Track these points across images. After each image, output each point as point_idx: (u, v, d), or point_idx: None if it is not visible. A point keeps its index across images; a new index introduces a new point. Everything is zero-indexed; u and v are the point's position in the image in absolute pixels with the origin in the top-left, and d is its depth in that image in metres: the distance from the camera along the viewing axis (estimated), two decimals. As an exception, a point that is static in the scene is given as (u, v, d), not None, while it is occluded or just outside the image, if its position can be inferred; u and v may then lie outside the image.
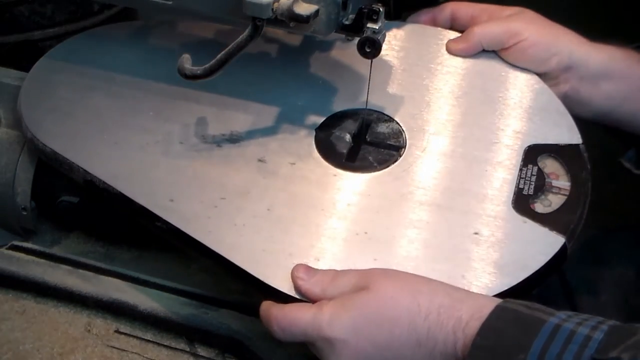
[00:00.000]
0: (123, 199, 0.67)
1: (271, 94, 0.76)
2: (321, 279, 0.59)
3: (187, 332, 0.69)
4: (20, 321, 0.69)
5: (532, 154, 0.70)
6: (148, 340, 0.68)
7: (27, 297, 0.71)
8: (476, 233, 0.63)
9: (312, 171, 0.69)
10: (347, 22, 0.67)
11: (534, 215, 0.65)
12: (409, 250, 0.63)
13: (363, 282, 0.58)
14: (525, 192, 0.67)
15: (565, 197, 0.66)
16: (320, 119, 0.73)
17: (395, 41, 0.81)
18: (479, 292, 0.60)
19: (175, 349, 0.68)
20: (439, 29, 0.82)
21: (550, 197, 0.66)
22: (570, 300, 0.80)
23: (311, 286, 0.59)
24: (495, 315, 0.53)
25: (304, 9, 0.62)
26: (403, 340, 0.55)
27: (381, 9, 0.67)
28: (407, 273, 0.59)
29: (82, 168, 0.68)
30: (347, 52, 0.79)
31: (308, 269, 0.60)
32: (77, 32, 0.88)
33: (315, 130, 0.72)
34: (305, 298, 0.59)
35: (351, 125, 0.73)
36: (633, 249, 0.82)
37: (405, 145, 0.71)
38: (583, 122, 0.74)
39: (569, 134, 0.72)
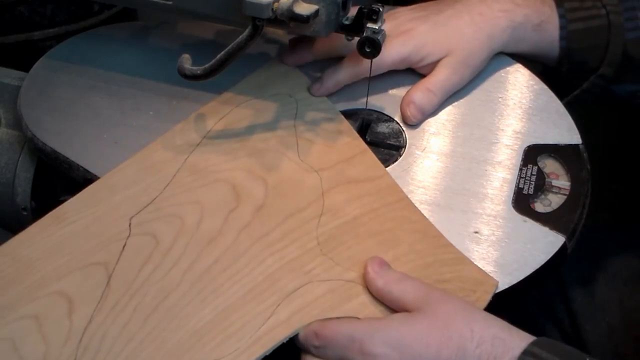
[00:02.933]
0: (123, 199, 0.67)
1: (271, 93, 0.76)
2: (389, 275, 0.58)
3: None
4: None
5: (532, 153, 0.70)
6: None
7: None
8: (476, 232, 0.64)
9: (312, 171, 0.69)
10: (347, 22, 0.67)
11: (534, 214, 0.65)
12: (409, 250, 0.63)
13: (423, 300, 0.56)
14: (525, 192, 0.67)
15: (565, 197, 0.66)
16: (320, 119, 0.73)
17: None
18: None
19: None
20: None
21: (550, 196, 0.67)
22: (566, 300, 0.81)
23: (377, 277, 0.58)
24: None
25: (304, 9, 0.63)
26: None
27: (381, 9, 0.67)
28: (465, 301, 0.58)
29: (82, 167, 0.68)
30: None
31: (382, 263, 0.59)
32: (77, 32, 0.89)
33: (316, 130, 0.72)
34: (368, 287, 0.59)
35: (351, 125, 0.73)
36: (630, 248, 0.82)
37: (405, 145, 0.71)
38: (583, 122, 0.74)
39: (568, 134, 0.72)
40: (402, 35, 0.73)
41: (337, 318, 0.57)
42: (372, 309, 0.58)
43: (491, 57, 0.75)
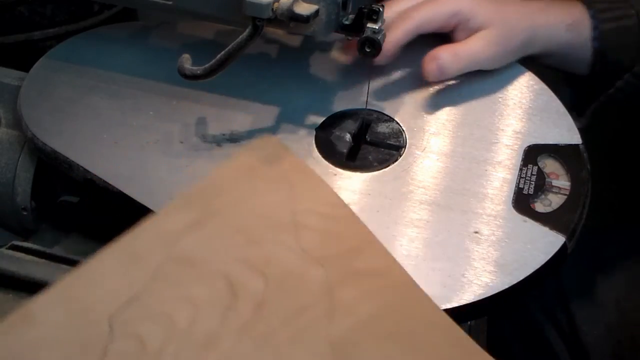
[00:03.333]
0: (123, 198, 0.67)
1: (271, 93, 0.76)
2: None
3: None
4: (20, 321, 0.69)
5: (532, 153, 0.70)
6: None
7: (27, 297, 0.71)
8: (476, 232, 0.64)
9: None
10: (347, 22, 0.67)
11: (534, 214, 0.65)
12: (409, 249, 0.63)
13: None
14: (525, 192, 0.67)
15: (565, 197, 0.66)
16: (320, 119, 0.73)
17: (395, 41, 0.81)
18: (479, 291, 0.60)
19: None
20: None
21: (550, 196, 0.67)
22: (565, 300, 0.81)
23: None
24: None
25: (304, 9, 0.63)
26: None
27: (381, 9, 0.67)
28: None
29: (82, 167, 0.68)
30: (347, 52, 0.80)
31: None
32: (77, 32, 0.88)
33: (316, 130, 0.72)
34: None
35: (351, 125, 0.73)
36: (630, 249, 0.83)
37: (406, 145, 0.71)
38: (583, 122, 0.74)
39: (568, 134, 0.72)
40: None
41: None
42: None
43: (523, 51, 0.75)
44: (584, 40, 0.75)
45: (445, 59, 0.73)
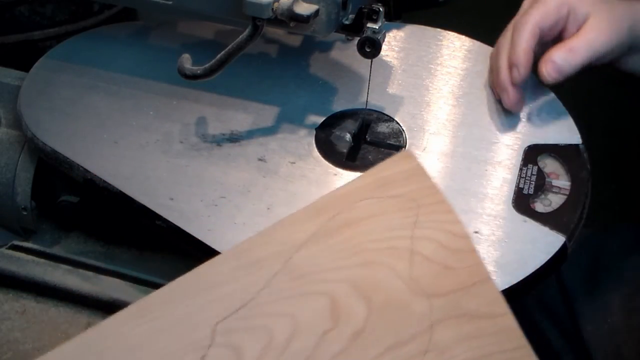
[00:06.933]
0: (123, 198, 0.67)
1: (271, 93, 0.76)
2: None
3: (187, 332, 0.68)
4: (20, 321, 0.69)
5: (532, 153, 0.70)
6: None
7: (27, 297, 0.71)
8: (476, 232, 0.64)
9: (312, 170, 0.69)
10: (347, 22, 0.67)
11: (534, 214, 0.65)
12: (409, 250, 0.63)
13: None
14: (525, 192, 0.67)
15: (565, 197, 0.66)
16: (320, 119, 0.73)
17: (395, 42, 0.81)
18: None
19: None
20: (439, 29, 0.82)
21: (550, 196, 0.67)
22: (567, 300, 0.81)
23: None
24: None
25: (304, 9, 0.63)
26: None
27: (381, 9, 0.67)
28: None
29: (82, 167, 0.68)
30: (347, 52, 0.80)
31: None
32: (77, 32, 0.89)
33: (316, 129, 0.72)
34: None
35: (351, 125, 0.73)
36: (631, 248, 0.82)
37: (405, 145, 0.71)
38: (583, 122, 0.74)
39: (568, 133, 0.72)
40: None
41: None
42: None
43: (631, 39, 0.73)
44: None
45: (561, 58, 0.71)
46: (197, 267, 0.56)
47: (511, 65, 0.71)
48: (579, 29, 0.72)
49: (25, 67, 0.79)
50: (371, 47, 0.67)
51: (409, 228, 0.59)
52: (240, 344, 0.52)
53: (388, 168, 0.62)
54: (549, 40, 0.73)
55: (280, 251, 0.57)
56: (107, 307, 0.70)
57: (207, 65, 0.65)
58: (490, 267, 0.61)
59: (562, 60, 0.70)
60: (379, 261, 0.57)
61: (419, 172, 0.63)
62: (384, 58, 0.79)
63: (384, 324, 0.54)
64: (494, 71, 0.75)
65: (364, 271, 0.56)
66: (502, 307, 0.55)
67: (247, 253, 0.57)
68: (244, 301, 0.54)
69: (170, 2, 0.68)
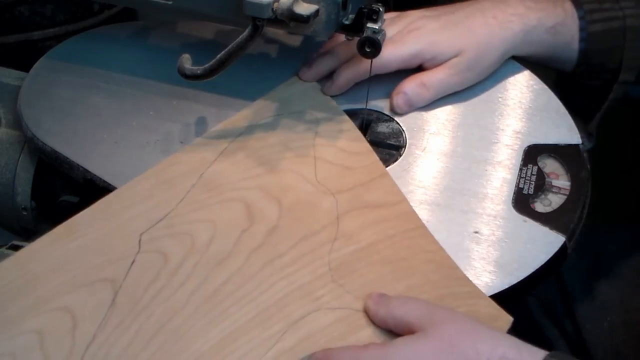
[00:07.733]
0: (123, 199, 0.67)
1: (271, 93, 0.76)
2: (390, 302, 0.56)
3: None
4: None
5: (532, 153, 0.70)
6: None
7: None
8: (476, 232, 0.64)
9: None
10: (347, 22, 0.67)
11: (534, 214, 0.65)
12: (409, 250, 0.63)
13: (427, 319, 0.54)
14: (525, 192, 0.67)
15: (565, 197, 0.66)
16: (320, 119, 0.74)
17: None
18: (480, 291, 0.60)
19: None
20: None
21: (550, 196, 0.67)
22: (567, 300, 0.81)
23: (378, 307, 0.56)
24: None
25: (304, 9, 0.63)
26: None
27: (381, 9, 0.67)
28: (472, 319, 0.56)
29: (82, 167, 0.68)
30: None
31: (381, 294, 0.58)
32: (77, 32, 0.89)
33: (316, 129, 0.73)
34: (373, 321, 0.57)
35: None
36: (631, 248, 0.82)
37: (406, 145, 0.71)
38: (582, 122, 0.74)
39: (568, 133, 0.72)
40: (414, 32, 0.73)
41: (341, 347, 0.55)
42: (381, 341, 0.56)
43: (502, 61, 0.75)
44: (567, 42, 0.74)
45: (411, 91, 0.72)
46: (115, 190, 0.64)
47: (342, 70, 0.73)
48: (441, 64, 0.73)
49: (25, 67, 0.79)
50: (371, 47, 0.67)
51: (311, 139, 0.69)
52: (165, 249, 0.60)
53: (285, 90, 0.74)
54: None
55: (193, 169, 0.65)
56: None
57: (207, 66, 0.65)
58: (490, 267, 0.61)
59: (412, 93, 0.72)
60: (286, 168, 0.66)
61: (315, 89, 0.74)
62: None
63: (295, 220, 0.62)
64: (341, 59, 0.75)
65: (273, 178, 0.65)
66: (399, 196, 0.65)
67: (161, 173, 0.65)
68: (164, 213, 0.62)
69: (170, 2, 0.68)
